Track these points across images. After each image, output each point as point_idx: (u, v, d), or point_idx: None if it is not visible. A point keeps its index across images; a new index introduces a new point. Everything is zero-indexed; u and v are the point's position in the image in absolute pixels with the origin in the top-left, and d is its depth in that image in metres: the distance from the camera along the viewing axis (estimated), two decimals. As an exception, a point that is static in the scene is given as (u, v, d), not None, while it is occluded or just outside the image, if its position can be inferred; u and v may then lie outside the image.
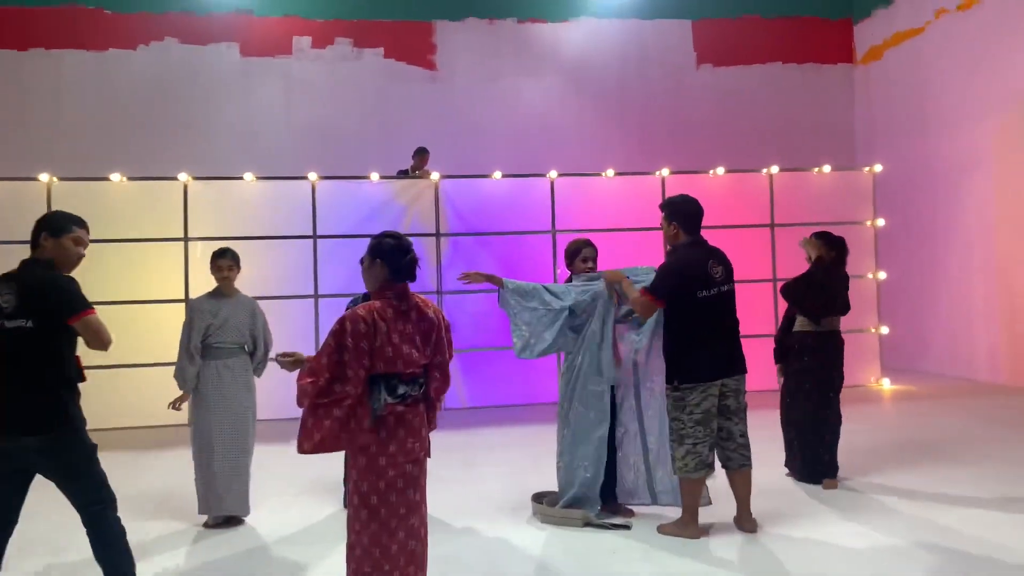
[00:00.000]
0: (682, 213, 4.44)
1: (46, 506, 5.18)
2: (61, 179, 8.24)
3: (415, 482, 3.09)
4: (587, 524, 4.52)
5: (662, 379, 4.48)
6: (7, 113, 10.87)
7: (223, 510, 4.71)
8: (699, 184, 9.30)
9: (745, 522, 4.40)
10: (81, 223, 3.44)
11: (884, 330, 9.49)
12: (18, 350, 3.17)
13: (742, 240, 9.15)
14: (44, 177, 8.15)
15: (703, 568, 3.88)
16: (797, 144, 11.95)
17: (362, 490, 3.03)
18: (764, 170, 9.44)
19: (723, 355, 4.31)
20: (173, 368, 4.77)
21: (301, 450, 2.98)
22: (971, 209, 10.17)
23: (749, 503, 4.42)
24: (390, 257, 3.12)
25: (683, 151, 11.40)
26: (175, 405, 4.78)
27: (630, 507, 4.75)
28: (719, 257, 4.40)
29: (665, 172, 9.22)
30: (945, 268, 10.62)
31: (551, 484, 4.91)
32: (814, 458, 5.25)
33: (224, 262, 4.83)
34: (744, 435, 4.37)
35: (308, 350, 8.13)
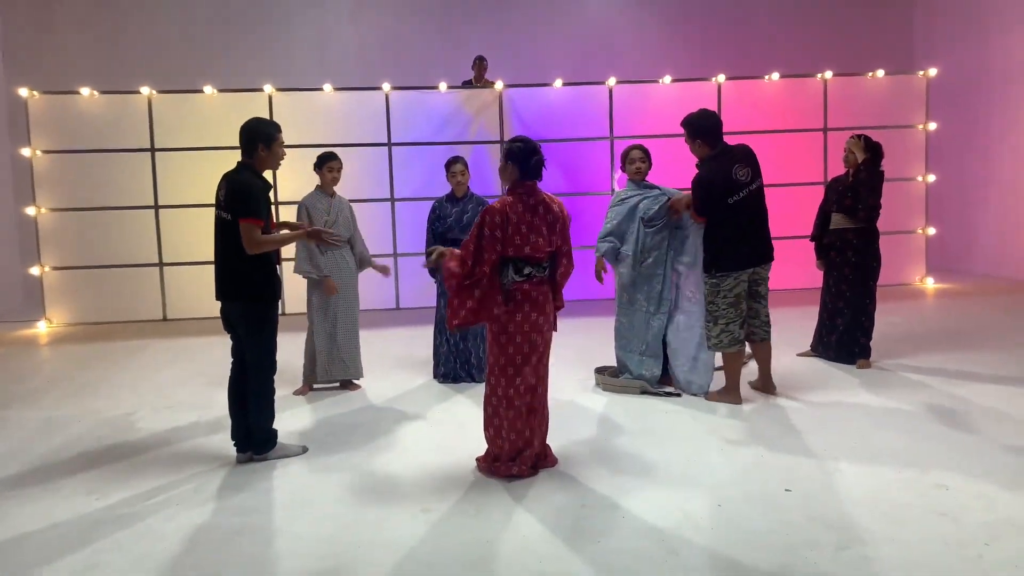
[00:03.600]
0: (703, 128, 4.88)
1: (196, 375, 6.17)
2: (160, 92, 8.97)
3: (536, 348, 3.80)
4: (643, 392, 5.25)
5: (695, 288, 5.14)
6: (103, 30, 11.54)
7: (347, 374, 5.59)
8: (754, 89, 9.61)
9: (767, 386, 5.15)
10: (279, 129, 4.17)
11: (931, 231, 9.82)
12: (224, 234, 4.03)
13: (795, 144, 9.51)
14: (145, 90, 8.90)
15: (742, 424, 4.58)
16: (855, 48, 11.96)
17: (495, 352, 3.79)
18: (819, 75, 9.65)
19: (754, 247, 4.87)
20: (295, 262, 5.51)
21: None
22: (1027, 113, 10.24)
23: (770, 369, 5.16)
24: (519, 159, 3.75)
25: (741, 57, 11.56)
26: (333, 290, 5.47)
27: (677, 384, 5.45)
28: (744, 158, 4.84)
29: (721, 78, 9.51)
30: (997, 172, 10.76)
31: (611, 362, 5.64)
32: (852, 341, 5.84)
33: (335, 163, 5.54)
34: (767, 314, 5.05)
35: (387, 248, 8.98)
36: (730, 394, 5.01)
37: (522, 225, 3.72)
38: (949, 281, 10.06)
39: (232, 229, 3.97)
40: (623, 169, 5.51)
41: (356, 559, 3.05)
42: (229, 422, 4.19)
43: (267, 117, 4.26)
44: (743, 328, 4.95)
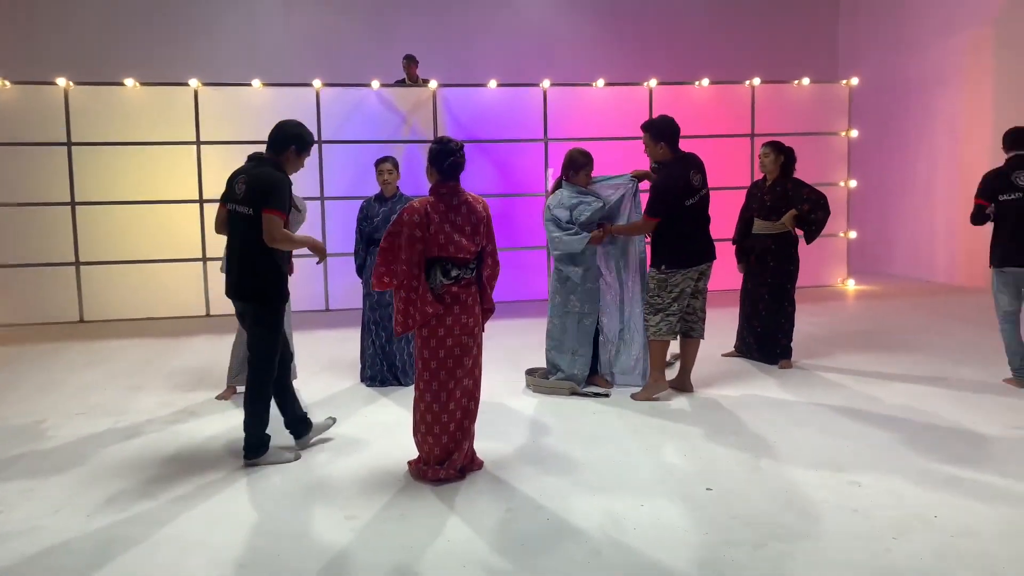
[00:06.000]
0: (667, 132, 5.05)
1: (115, 379, 5.94)
2: (77, 83, 8.61)
3: (469, 351, 3.79)
4: (572, 393, 5.28)
5: (637, 278, 5.34)
6: (18, 16, 11.00)
7: None
8: (684, 95, 9.79)
9: (685, 384, 5.30)
10: (315, 140, 4.25)
11: (852, 235, 10.18)
12: (242, 230, 3.95)
13: (724, 149, 9.72)
14: (61, 81, 8.52)
15: (664, 422, 4.65)
16: (783, 57, 12.29)
17: (424, 356, 3.75)
18: (747, 82, 9.89)
19: (702, 246, 5.10)
20: (220, 264, 5.35)
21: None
22: (941, 123, 10.70)
23: (691, 368, 5.33)
24: (436, 160, 3.76)
25: (673, 62, 11.75)
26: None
27: (607, 379, 5.50)
28: (697, 165, 5.07)
29: (653, 83, 9.65)
30: (913, 178, 11.23)
31: (541, 364, 5.66)
32: (773, 342, 6.00)
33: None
34: (704, 311, 5.23)
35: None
36: (656, 385, 5.13)
37: (445, 224, 3.71)
38: (869, 283, 10.44)
39: (253, 224, 3.88)
40: (568, 178, 5.34)
41: (275, 570, 2.97)
42: (146, 428, 4.03)
43: (304, 121, 4.22)
44: (679, 322, 5.09)
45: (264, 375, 4.06)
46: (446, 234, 3.70)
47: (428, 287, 3.71)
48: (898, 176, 11.54)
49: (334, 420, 4.55)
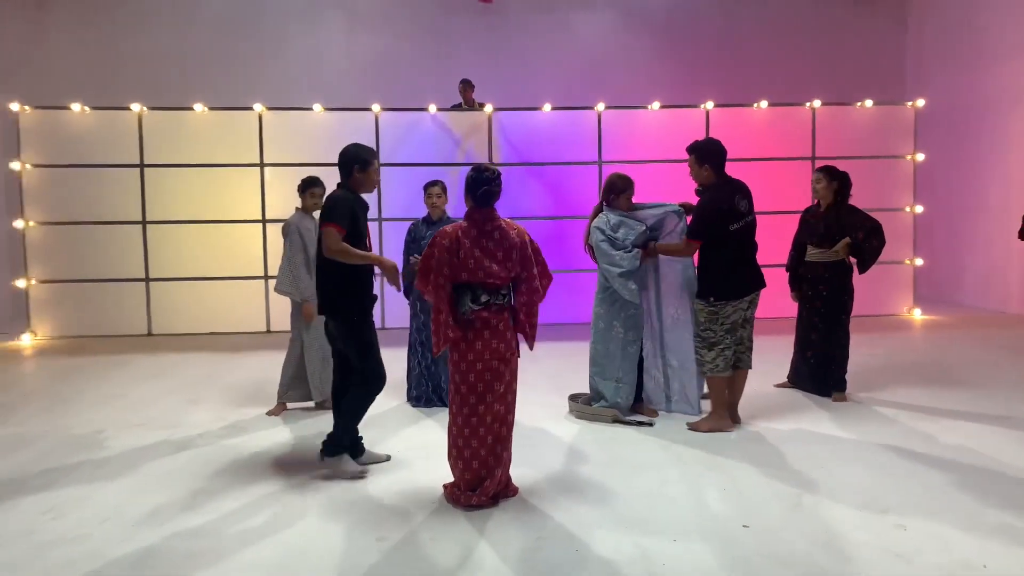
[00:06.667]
0: (712, 155, 5.00)
1: (174, 392, 6.17)
2: (151, 108, 9.02)
3: (500, 376, 3.81)
4: (615, 421, 5.23)
5: (679, 306, 5.26)
6: (95, 45, 11.62)
7: None
8: (742, 117, 9.67)
9: (733, 416, 5.16)
10: (375, 154, 4.39)
11: (918, 262, 9.84)
12: (318, 248, 4.17)
13: (782, 173, 9.55)
14: (136, 106, 8.95)
15: (706, 454, 4.55)
16: (845, 78, 12.03)
17: (456, 380, 3.81)
18: (807, 104, 9.70)
19: (751, 274, 5.00)
20: (276, 281, 5.58)
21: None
22: (1015, 145, 10.26)
23: (738, 400, 5.19)
24: (470, 188, 3.84)
25: (730, 84, 11.62)
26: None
27: (652, 408, 5.43)
28: (743, 191, 5.00)
29: (709, 105, 9.56)
30: (985, 203, 10.78)
31: (585, 389, 5.63)
32: (826, 374, 5.82)
33: (318, 189, 5.61)
34: (751, 339, 5.12)
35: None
36: (720, 420, 5.02)
37: (475, 250, 3.75)
38: (937, 313, 10.05)
39: (321, 242, 4.11)
40: (610, 202, 5.32)
41: (302, 588, 3.03)
42: (197, 442, 4.16)
43: (363, 143, 4.44)
44: (734, 354, 5.01)
45: (367, 387, 4.23)
46: (476, 259, 3.74)
47: (452, 312, 3.75)
48: (969, 201, 11.10)
49: (388, 458, 4.53)
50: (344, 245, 4.05)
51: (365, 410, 4.31)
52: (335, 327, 4.26)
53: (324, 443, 4.31)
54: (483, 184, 3.82)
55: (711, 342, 4.96)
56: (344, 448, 4.28)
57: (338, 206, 4.10)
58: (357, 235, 4.14)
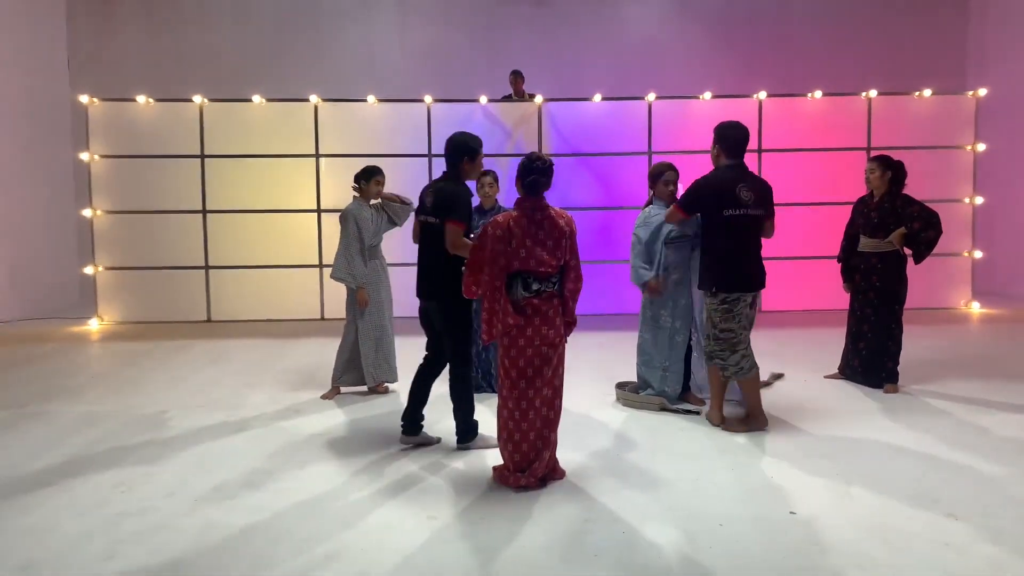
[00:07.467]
0: (727, 137, 4.84)
1: (233, 376, 6.39)
2: (211, 100, 9.30)
3: (549, 361, 3.91)
4: (662, 409, 5.27)
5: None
6: (160, 39, 11.99)
7: (392, 378, 5.89)
8: (796, 107, 9.53)
9: (761, 419, 4.88)
10: (481, 144, 4.52)
11: (977, 254, 9.58)
12: (429, 238, 4.38)
13: (837, 163, 9.39)
14: (197, 98, 9.24)
15: (754, 443, 4.55)
16: (903, 67, 11.71)
17: (505, 365, 3.91)
18: (863, 94, 9.51)
19: (756, 272, 4.80)
20: (332, 268, 5.73)
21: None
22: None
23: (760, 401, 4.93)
24: (520, 176, 3.93)
25: (785, 74, 11.45)
26: None
27: (700, 397, 5.45)
28: (754, 183, 4.77)
29: (762, 95, 9.45)
30: (1051, 194, 10.43)
31: (632, 378, 5.66)
32: (878, 365, 5.76)
33: (381, 177, 5.79)
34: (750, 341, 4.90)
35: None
36: (755, 420, 4.88)
37: (527, 239, 3.83)
38: (996, 306, 9.77)
39: (438, 232, 4.27)
40: (654, 189, 5.44)
41: (356, 563, 3.15)
42: (255, 423, 4.32)
43: (467, 132, 4.55)
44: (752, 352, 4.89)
45: (466, 366, 4.41)
46: (527, 248, 3.82)
47: (509, 299, 3.83)
48: (1033, 193, 10.75)
49: (439, 440, 4.67)
50: (466, 241, 4.24)
51: (472, 390, 4.49)
52: (438, 310, 4.38)
53: (457, 437, 4.52)
54: (531, 173, 3.89)
55: (732, 342, 4.76)
56: (475, 430, 4.52)
57: (459, 203, 4.25)
58: (468, 228, 4.36)
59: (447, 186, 4.36)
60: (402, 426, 4.60)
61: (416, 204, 5.31)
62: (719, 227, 4.75)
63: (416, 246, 4.60)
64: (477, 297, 4.01)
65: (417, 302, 4.56)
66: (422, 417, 4.62)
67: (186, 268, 9.36)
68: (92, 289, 9.45)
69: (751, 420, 4.88)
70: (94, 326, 9.14)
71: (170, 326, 9.07)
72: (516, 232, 3.83)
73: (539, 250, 3.84)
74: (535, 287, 3.86)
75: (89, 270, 9.35)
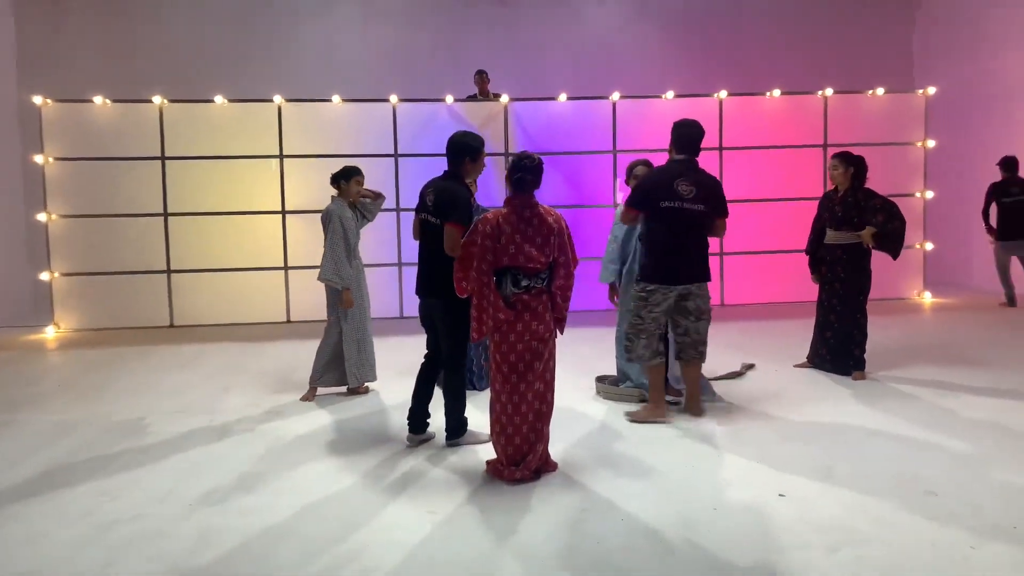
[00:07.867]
0: (679, 135, 4.92)
1: (206, 380, 6.27)
2: (171, 100, 9.13)
3: (539, 356, 3.97)
4: (642, 400, 5.36)
5: None
6: (116, 39, 11.71)
7: (372, 378, 5.88)
8: (755, 105, 9.78)
9: (696, 409, 5.04)
10: (484, 143, 4.51)
11: (928, 246, 9.96)
12: (430, 237, 4.36)
13: (796, 160, 9.66)
14: (156, 99, 9.05)
15: (736, 429, 4.68)
16: (856, 67, 12.12)
17: (497, 360, 3.96)
18: (819, 92, 9.81)
19: (685, 264, 4.82)
20: (320, 269, 5.66)
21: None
22: (1021, 132, 10.37)
23: (699, 391, 5.09)
24: (508, 173, 3.99)
25: (743, 73, 11.73)
26: None
27: (678, 388, 5.56)
28: (699, 179, 4.82)
29: (723, 94, 9.67)
30: (995, 188, 10.86)
31: (612, 371, 5.76)
32: (846, 353, 5.96)
33: (361, 177, 5.83)
34: (700, 333, 4.92)
35: (391, 258, 9.12)
36: (656, 410, 4.93)
37: (516, 235, 3.90)
38: (946, 296, 10.18)
39: (438, 232, 4.25)
40: (627, 183, 5.57)
41: (359, 560, 3.16)
42: (238, 426, 4.28)
43: (472, 132, 4.51)
44: (660, 341, 4.94)
45: (460, 365, 4.43)
46: (516, 244, 3.88)
47: (499, 295, 3.89)
48: (978, 187, 11.13)
49: (433, 436, 4.69)
50: (460, 242, 4.20)
51: (465, 387, 4.54)
52: (445, 311, 4.36)
53: (447, 434, 4.53)
54: (517, 171, 3.96)
55: (639, 329, 4.87)
56: (464, 427, 4.55)
57: (460, 205, 4.22)
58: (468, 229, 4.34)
59: (448, 186, 4.36)
60: (408, 425, 4.60)
61: (386, 198, 5.33)
62: (655, 218, 4.83)
63: (417, 245, 4.61)
64: (467, 295, 4.04)
65: (417, 302, 4.56)
66: (428, 415, 4.63)
67: (147, 272, 9.17)
68: (48, 296, 9.19)
69: (651, 411, 4.95)
70: (51, 334, 8.89)
71: (131, 332, 8.88)
72: (505, 229, 3.89)
73: (528, 246, 3.90)
74: (524, 283, 3.92)
75: (45, 276, 9.08)
